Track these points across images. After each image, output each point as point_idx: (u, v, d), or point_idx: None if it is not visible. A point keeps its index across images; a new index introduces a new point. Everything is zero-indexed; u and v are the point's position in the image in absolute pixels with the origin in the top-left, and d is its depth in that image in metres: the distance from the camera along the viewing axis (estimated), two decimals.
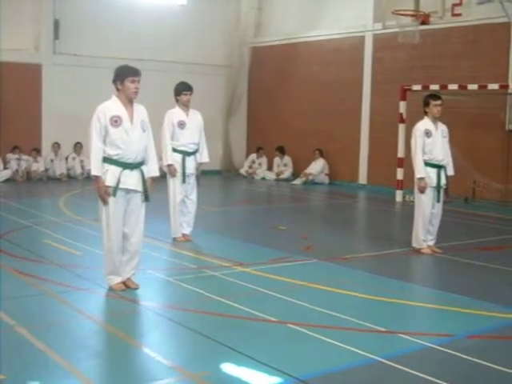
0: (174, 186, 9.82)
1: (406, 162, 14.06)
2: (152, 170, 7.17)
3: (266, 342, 5.58)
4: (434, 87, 14.79)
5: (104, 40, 18.76)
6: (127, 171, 6.87)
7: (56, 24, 18.29)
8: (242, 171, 20.80)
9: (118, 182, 6.83)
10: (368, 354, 5.25)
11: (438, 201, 9.34)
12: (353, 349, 5.37)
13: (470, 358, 5.25)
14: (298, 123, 19.91)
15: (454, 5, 15.54)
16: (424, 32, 15.63)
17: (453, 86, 14.64)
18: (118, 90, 6.95)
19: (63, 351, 5.23)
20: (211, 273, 7.95)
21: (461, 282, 7.92)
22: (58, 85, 17.67)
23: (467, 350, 5.43)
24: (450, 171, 9.53)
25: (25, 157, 17.77)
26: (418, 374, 4.89)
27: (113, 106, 6.91)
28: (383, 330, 5.94)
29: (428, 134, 9.23)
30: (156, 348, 5.40)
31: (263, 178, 20.18)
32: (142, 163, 7.01)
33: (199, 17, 20.33)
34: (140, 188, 6.99)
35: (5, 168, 17.62)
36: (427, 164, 9.24)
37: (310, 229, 11.64)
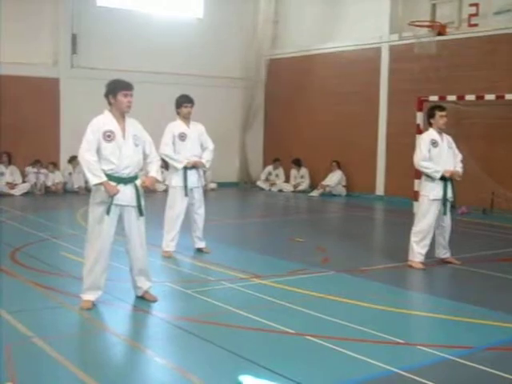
0: (175, 200, 9.68)
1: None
2: (153, 170, 7.04)
3: (284, 354, 5.57)
4: (451, 98, 14.76)
5: (121, 53, 18.89)
6: (121, 186, 6.73)
7: (73, 38, 18.44)
8: (259, 183, 20.82)
9: (112, 199, 6.69)
10: (386, 366, 5.23)
11: (445, 213, 9.20)
12: (371, 361, 5.34)
13: (489, 369, 5.20)
14: (314, 135, 19.90)
15: (471, 15, 15.49)
16: (440, 43, 15.61)
17: (470, 97, 14.59)
18: (110, 104, 6.83)
19: (81, 363, 5.25)
20: (229, 285, 7.94)
21: (479, 294, 7.87)
22: (75, 98, 17.74)
23: (486, 361, 5.38)
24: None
25: (43, 170, 17.88)
26: None
27: (106, 120, 6.78)
28: (402, 341, 5.91)
29: (434, 143, 9.12)
30: (174, 361, 5.40)
31: (280, 190, 20.18)
32: (135, 177, 6.87)
33: (216, 30, 20.42)
34: (134, 203, 6.83)
35: (23, 181, 17.75)
36: None
37: (327, 241, 11.61)
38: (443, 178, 9.09)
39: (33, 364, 5.25)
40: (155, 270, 8.12)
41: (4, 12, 17.31)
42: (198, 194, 9.81)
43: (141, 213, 6.90)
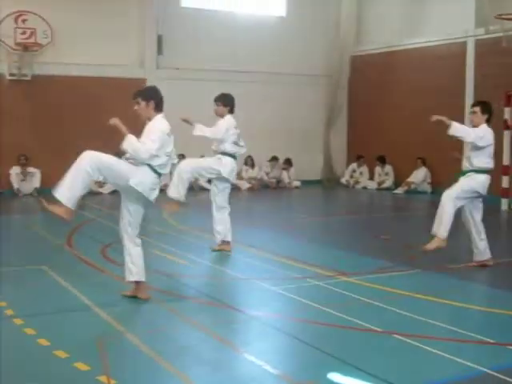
0: None
1: None
2: None
3: (371, 353, 5.57)
4: None
5: (205, 53, 19.12)
6: None
7: (159, 39, 18.77)
8: (343, 180, 20.74)
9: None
10: (476, 366, 5.16)
11: None
12: (460, 360, 5.28)
13: None
14: (398, 131, 19.68)
15: None
16: None
17: None
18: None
19: (171, 357, 5.36)
20: (315, 282, 7.97)
21: None
22: None
23: None
24: None
25: None
26: None
27: None
28: (492, 341, 5.82)
29: None
30: (262, 356, 5.44)
31: (364, 188, 20.06)
32: None
33: (298, 28, 20.44)
34: None
35: None
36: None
37: (413, 238, 11.48)
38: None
39: (125, 358, 5.41)
40: (241, 267, 8.29)
41: (92, 16, 17.81)
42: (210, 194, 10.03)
43: None
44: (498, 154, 14.89)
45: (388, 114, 20.03)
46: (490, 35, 16.38)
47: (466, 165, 9.00)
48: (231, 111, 9.84)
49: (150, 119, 7.22)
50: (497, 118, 15.08)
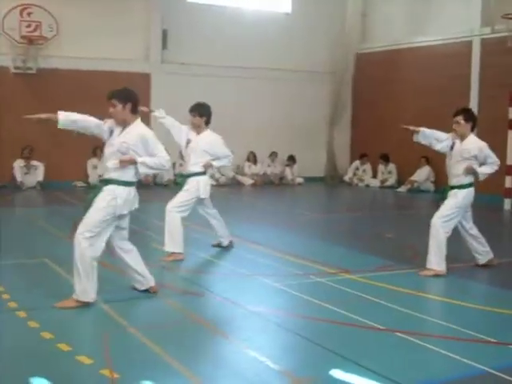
0: None
1: None
2: None
3: (373, 350, 5.57)
4: None
5: (210, 48, 19.13)
6: None
7: (164, 34, 18.77)
8: (346, 178, 20.73)
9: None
10: (478, 365, 5.17)
11: None
12: (462, 359, 5.29)
13: None
14: (402, 130, 19.61)
15: None
16: None
17: None
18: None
19: (173, 352, 5.37)
20: (317, 279, 7.98)
21: None
22: (165, 93, 18.02)
23: None
24: None
25: None
26: None
27: None
28: (494, 340, 5.82)
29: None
30: (263, 352, 5.45)
31: (367, 185, 20.06)
32: (108, 181, 6.81)
33: (304, 24, 20.42)
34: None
35: None
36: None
37: (416, 237, 11.46)
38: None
39: (129, 352, 5.42)
40: (243, 263, 8.31)
41: (97, 9, 17.82)
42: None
43: None
44: (503, 153, 14.95)
45: (392, 113, 19.99)
46: (495, 34, 16.37)
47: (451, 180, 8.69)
48: (208, 122, 9.30)
49: (125, 122, 6.94)
50: (503, 118, 15.21)
